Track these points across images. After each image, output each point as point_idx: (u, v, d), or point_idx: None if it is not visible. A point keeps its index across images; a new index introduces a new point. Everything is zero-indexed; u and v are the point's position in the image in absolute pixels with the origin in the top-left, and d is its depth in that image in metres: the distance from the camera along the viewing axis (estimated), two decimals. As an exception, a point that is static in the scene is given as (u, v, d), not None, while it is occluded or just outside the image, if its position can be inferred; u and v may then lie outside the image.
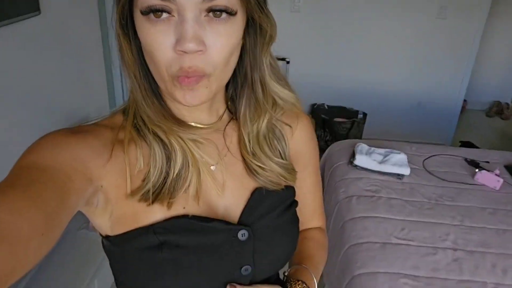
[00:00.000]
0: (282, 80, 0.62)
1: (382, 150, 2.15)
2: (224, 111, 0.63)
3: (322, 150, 2.68)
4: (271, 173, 0.61)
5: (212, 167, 0.59)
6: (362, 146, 2.16)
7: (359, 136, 3.38)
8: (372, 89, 3.53)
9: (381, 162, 2.07)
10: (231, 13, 0.48)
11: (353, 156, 2.16)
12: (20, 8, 1.77)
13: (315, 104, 3.54)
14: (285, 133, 0.66)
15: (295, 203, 0.66)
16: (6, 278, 0.36)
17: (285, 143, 0.65)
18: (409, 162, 2.12)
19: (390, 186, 1.98)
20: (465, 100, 3.99)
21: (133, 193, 0.53)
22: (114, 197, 0.53)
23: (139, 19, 0.48)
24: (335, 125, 3.34)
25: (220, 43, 0.48)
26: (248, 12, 0.52)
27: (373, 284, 1.43)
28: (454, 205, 1.87)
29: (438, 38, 3.32)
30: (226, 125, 0.62)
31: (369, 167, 2.07)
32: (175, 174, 0.53)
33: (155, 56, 0.48)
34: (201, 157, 0.56)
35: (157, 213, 0.54)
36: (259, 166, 0.60)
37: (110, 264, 0.59)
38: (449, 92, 3.51)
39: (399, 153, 2.12)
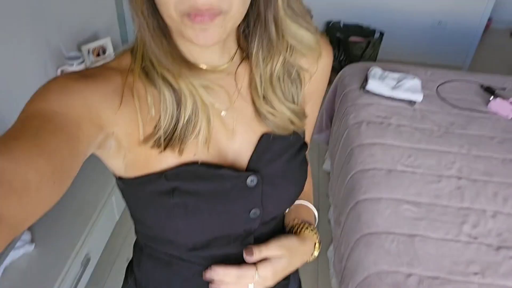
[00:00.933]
0: (303, 18, 0.57)
1: (396, 75, 2.11)
2: (236, 51, 0.59)
3: (335, 71, 2.62)
4: (281, 118, 0.60)
5: (222, 113, 0.58)
6: (376, 70, 2.11)
7: (374, 57, 3.28)
8: (391, 6, 3.35)
9: (394, 88, 2.04)
10: None
11: (365, 80, 2.13)
12: None
13: (331, 21, 3.40)
14: (302, 75, 0.62)
15: (304, 147, 0.65)
16: (18, 227, 0.37)
17: (300, 87, 0.62)
18: (422, 87, 2.08)
19: (401, 113, 1.97)
20: (490, 19, 3.77)
21: (145, 140, 0.53)
22: (127, 143, 0.53)
23: None
24: (350, 44, 3.23)
25: None
26: None
27: (376, 209, 1.49)
28: (463, 133, 1.87)
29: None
30: (238, 66, 0.60)
31: (380, 93, 2.04)
32: (185, 120, 0.53)
33: None
34: (211, 103, 0.55)
35: (168, 159, 0.55)
36: (269, 111, 0.59)
37: (125, 200, 0.62)
38: (473, 9, 3.31)
39: (413, 78, 2.07)
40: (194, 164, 0.55)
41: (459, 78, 2.27)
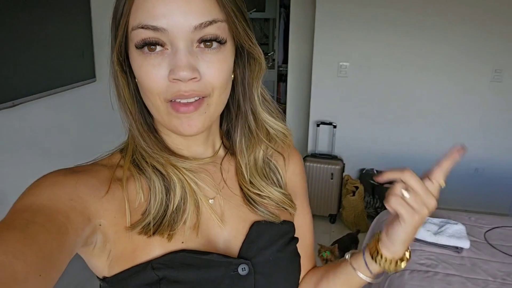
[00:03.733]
0: (275, 112, 0.65)
1: (437, 220, 2.00)
2: (220, 146, 0.64)
3: (371, 217, 2.53)
4: (269, 200, 0.62)
5: (210, 200, 0.59)
6: (415, 215, 2.01)
7: (411, 204, 3.18)
8: (424, 154, 3.38)
9: (436, 233, 1.90)
10: (221, 41, 0.51)
11: (404, 225, 2.01)
12: (78, 75, 1.90)
13: (364, 169, 3.43)
14: (278, 165, 0.68)
15: (295, 240, 0.65)
16: None
17: (280, 175, 0.67)
18: (468, 234, 1.94)
19: (447, 261, 1.80)
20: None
21: (133, 226, 0.53)
22: (113, 234, 0.52)
23: (134, 54, 0.51)
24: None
25: (214, 70, 0.51)
26: (237, 41, 0.55)
27: None
28: (524, 286, 1.65)
29: (494, 101, 3.18)
30: (223, 159, 0.64)
31: (422, 238, 1.90)
32: (174, 206, 0.54)
33: (148, 87, 0.50)
34: (199, 189, 0.57)
35: (156, 248, 0.53)
36: (257, 194, 0.61)
37: None
38: (510, 158, 3.28)
39: (456, 224, 1.95)
40: (182, 251, 0.54)
41: (508, 225, 2.11)
